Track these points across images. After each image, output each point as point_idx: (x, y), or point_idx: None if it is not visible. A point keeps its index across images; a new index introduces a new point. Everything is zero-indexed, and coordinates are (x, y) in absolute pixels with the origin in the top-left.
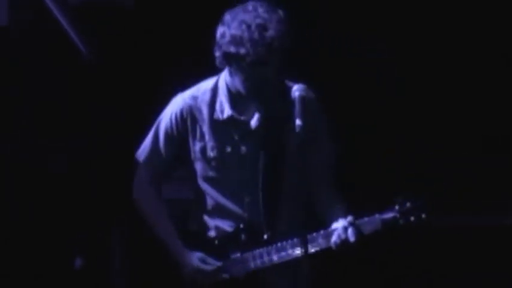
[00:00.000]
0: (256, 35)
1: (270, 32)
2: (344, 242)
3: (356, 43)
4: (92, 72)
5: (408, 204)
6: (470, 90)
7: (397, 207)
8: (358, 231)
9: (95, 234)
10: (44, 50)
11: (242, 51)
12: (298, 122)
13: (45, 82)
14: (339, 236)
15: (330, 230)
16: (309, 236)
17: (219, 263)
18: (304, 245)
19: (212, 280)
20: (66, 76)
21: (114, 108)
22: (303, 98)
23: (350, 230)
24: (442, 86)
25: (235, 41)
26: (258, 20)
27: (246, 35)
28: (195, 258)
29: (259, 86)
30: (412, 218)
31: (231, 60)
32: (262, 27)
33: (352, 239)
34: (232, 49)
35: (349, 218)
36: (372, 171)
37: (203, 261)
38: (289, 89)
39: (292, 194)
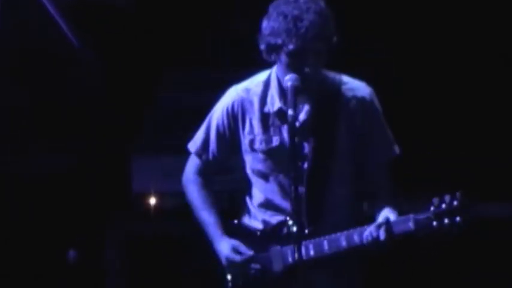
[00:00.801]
0: (291, 25)
1: (305, 22)
2: (375, 240)
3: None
4: (85, 64)
5: (444, 206)
6: (478, 87)
7: (432, 208)
8: (388, 231)
9: (90, 231)
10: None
11: (279, 41)
12: (290, 112)
13: (43, 81)
14: (370, 233)
15: (365, 227)
16: (345, 233)
17: (250, 253)
18: (339, 241)
19: (241, 271)
20: (63, 75)
21: (112, 108)
22: (294, 88)
23: (382, 229)
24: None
25: (273, 32)
26: (295, 11)
27: (282, 25)
28: (228, 246)
29: (301, 78)
30: (446, 221)
31: (272, 51)
32: (297, 18)
33: (382, 237)
34: (271, 40)
35: (384, 217)
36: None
37: (235, 250)
38: (343, 84)
39: (338, 190)
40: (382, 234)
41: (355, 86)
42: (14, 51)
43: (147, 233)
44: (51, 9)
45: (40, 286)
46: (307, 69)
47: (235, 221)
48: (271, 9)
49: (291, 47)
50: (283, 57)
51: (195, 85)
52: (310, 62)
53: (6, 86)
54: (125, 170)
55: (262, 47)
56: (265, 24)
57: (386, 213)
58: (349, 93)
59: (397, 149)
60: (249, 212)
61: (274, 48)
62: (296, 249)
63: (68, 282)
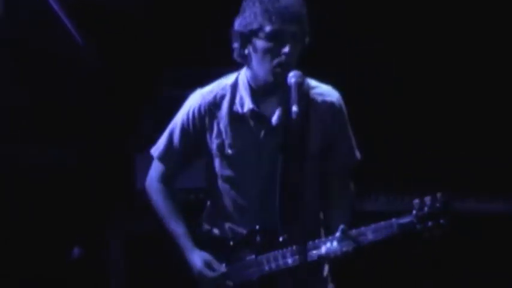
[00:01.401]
0: (269, 6)
1: (282, 3)
2: (337, 253)
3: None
4: (87, 62)
5: (426, 209)
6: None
7: (414, 212)
8: (350, 243)
9: (92, 229)
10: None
11: (255, 25)
12: (294, 108)
13: (44, 79)
14: (334, 246)
15: (332, 237)
16: (311, 243)
17: (222, 269)
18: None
19: (215, 286)
20: (65, 73)
21: (114, 106)
22: (298, 84)
23: (344, 242)
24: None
25: (249, 19)
26: None
27: (258, 9)
28: (200, 260)
29: (277, 71)
30: (430, 223)
31: (246, 42)
32: (275, 0)
33: (337, 252)
34: (245, 29)
35: (342, 228)
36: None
37: (208, 265)
38: (312, 88)
39: (310, 195)
40: (346, 247)
41: (324, 91)
42: (16, 49)
43: (149, 231)
44: (55, 7)
45: (43, 284)
46: (285, 50)
47: (203, 229)
48: (243, 4)
49: (268, 27)
50: (260, 44)
51: (197, 83)
52: (288, 46)
53: (8, 84)
54: (127, 167)
55: (236, 43)
56: (238, 19)
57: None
58: (319, 98)
59: (358, 154)
60: (213, 218)
61: (249, 37)
62: (273, 258)
63: (70, 280)
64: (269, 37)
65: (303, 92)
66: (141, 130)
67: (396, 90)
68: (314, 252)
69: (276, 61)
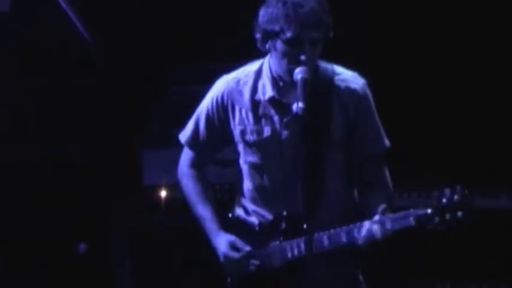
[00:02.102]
0: (290, 11)
1: (305, 9)
2: (371, 237)
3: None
4: (97, 61)
5: (444, 201)
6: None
7: (432, 203)
8: (384, 229)
9: (100, 223)
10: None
11: (276, 28)
12: (300, 104)
13: (54, 74)
14: (368, 229)
15: (365, 222)
16: (344, 228)
17: (247, 249)
18: (339, 237)
19: (239, 267)
20: (74, 68)
21: (122, 101)
22: (305, 81)
23: (376, 227)
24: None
25: (271, 18)
26: None
27: (281, 11)
28: (225, 242)
29: (294, 68)
30: (448, 216)
31: (267, 38)
32: (297, 5)
33: (378, 236)
34: (267, 26)
35: (378, 215)
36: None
37: (232, 246)
38: (336, 75)
39: (333, 183)
40: (377, 233)
41: (348, 77)
42: (26, 44)
43: (157, 225)
44: (62, 4)
45: (50, 278)
46: (302, 58)
47: (231, 215)
48: None
49: (288, 34)
50: (279, 45)
51: (206, 78)
52: (306, 51)
53: (16, 80)
54: (135, 162)
55: (258, 35)
56: (262, 12)
57: (382, 209)
58: (343, 84)
59: (387, 142)
60: (241, 204)
61: (270, 35)
62: (305, 243)
63: (77, 274)
64: (288, 42)
65: (326, 78)
66: (149, 126)
67: (404, 86)
68: (344, 237)
69: (292, 66)
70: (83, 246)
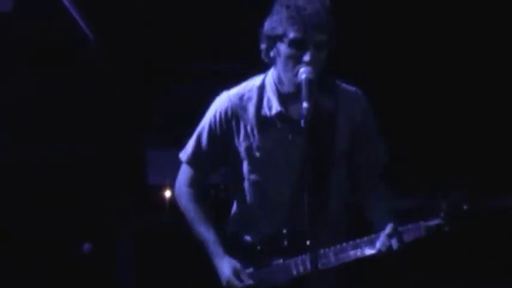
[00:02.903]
0: (294, 13)
1: (308, 11)
2: (388, 250)
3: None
4: (99, 60)
5: (454, 212)
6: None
7: (442, 214)
8: (401, 240)
9: (104, 223)
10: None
11: (280, 31)
12: (304, 104)
13: (58, 73)
14: (383, 243)
15: (373, 236)
16: (351, 243)
17: (250, 282)
18: (347, 252)
19: None
20: (77, 67)
21: (126, 101)
22: (309, 80)
23: (394, 239)
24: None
25: (275, 24)
26: (299, 2)
27: (284, 15)
28: (230, 268)
29: (298, 78)
30: (458, 225)
31: (272, 45)
32: (301, 8)
33: (395, 247)
34: (272, 33)
35: (392, 226)
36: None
37: (236, 274)
38: (339, 86)
39: (339, 197)
40: (395, 244)
41: (352, 91)
42: (29, 42)
43: (162, 225)
44: (65, 2)
45: (54, 278)
46: (306, 59)
47: (229, 233)
48: (274, 5)
49: (292, 34)
50: (283, 49)
51: (211, 77)
52: (311, 54)
53: (19, 79)
54: (139, 163)
55: (263, 45)
56: (267, 22)
57: (390, 221)
58: (347, 98)
59: (387, 153)
60: (240, 222)
61: (274, 41)
62: (301, 262)
63: (81, 273)
64: (292, 44)
65: (330, 89)
66: (153, 126)
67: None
68: (352, 252)
69: (297, 69)
70: (87, 246)
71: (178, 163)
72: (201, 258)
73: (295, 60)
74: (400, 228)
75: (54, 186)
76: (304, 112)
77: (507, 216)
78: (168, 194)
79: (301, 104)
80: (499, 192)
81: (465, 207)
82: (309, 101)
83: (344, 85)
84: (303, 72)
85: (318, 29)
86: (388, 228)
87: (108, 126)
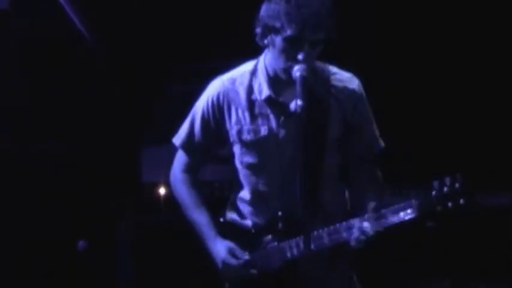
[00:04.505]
0: (294, 9)
1: (308, 10)
2: (364, 235)
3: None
4: (96, 59)
5: (446, 189)
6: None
7: (433, 192)
8: (381, 224)
9: (100, 221)
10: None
11: (277, 24)
12: (299, 102)
13: (53, 72)
14: (368, 225)
15: (365, 216)
16: (344, 224)
17: (246, 257)
18: (339, 233)
19: (237, 274)
20: (74, 66)
21: (122, 99)
22: (303, 78)
23: (367, 223)
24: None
25: (273, 14)
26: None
27: (284, 8)
28: (224, 248)
29: (292, 65)
30: (450, 204)
31: (267, 33)
32: (301, 4)
33: (370, 231)
34: (269, 21)
35: (372, 210)
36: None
37: (231, 253)
38: (332, 74)
39: (331, 182)
40: (368, 229)
41: (345, 78)
42: (26, 42)
43: (156, 223)
44: (62, 1)
45: (51, 277)
46: (300, 57)
47: (223, 219)
48: None
49: (289, 32)
50: (278, 42)
51: (206, 76)
52: (305, 51)
53: (16, 78)
54: (134, 160)
55: (258, 29)
56: (265, 6)
57: (373, 205)
58: (340, 85)
59: (382, 143)
60: (235, 206)
61: (270, 31)
62: (295, 244)
63: (77, 271)
64: (287, 41)
65: (323, 78)
66: (148, 124)
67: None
68: (345, 233)
69: (289, 63)
70: (82, 244)
71: (173, 161)
72: (197, 255)
73: (288, 55)
74: (389, 209)
75: (49, 185)
76: (299, 110)
77: (503, 216)
78: (162, 191)
79: (295, 97)
80: (491, 189)
81: (457, 185)
82: (304, 99)
83: (338, 71)
84: (298, 70)
85: (315, 29)
86: (371, 210)
87: (103, 125)
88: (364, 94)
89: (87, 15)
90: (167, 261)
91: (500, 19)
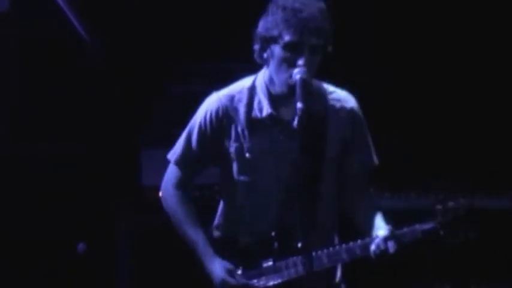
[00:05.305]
0: (290, 15)
1: (304, 14)
2: (383, 253)
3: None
4: (95, 60)
5: (450, 216)
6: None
7: (438, 218)
8: (398, 244)
9: (99, 223)
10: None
11: (275, 33)
12: (299, 104)
13: (52, 73)
14: (378, 246)
15: (367, 239)
16: (344, 246)
17: (244, 280)
18: (340, 255)
19: None
20: (73, 67)
21: (121, 101)
22: (303, 81)
23: (390, 242)
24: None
25: (271, 25)
26: (296, 4)
27: (280, 16)
28: (223, 268)
29: (291, 83)
30: (454, 230)
31: (266, 46)
32: (297, 10)
33: (391, 250)
34: (267, 33)
35: (389, 229)
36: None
37: (230, 273)
38: (329, 93)
39: (328, 201)
40: (391, 248)
41: (342, 97)
42: (26, 43)
43: (156, 225)
44: (61, 3)
45: (50, 279)
46: (300, 63)
47: (216, 235)
48: (269, 5)
49: (287, 37)
50: (278, 51)
51: (206, 77)
52: (305, 58)
53: (15, 79)
54: (134, 162)
55: (257, 46)
56: (262, 21)
57: (383, 225)
58: (337, 104)
59: (376, 160)
60: (229, 224)
61: (269, 42)
62: (305, 262)
63: (77, 274)
64: (287, 47)
65: (321, 96)
66: (148, 126)
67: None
68: (345, 255)
69: (290, 71)
70: (81, 246)
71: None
72: (196, 258)
73: (289, 63)
74: (396, 232)
75: (49, 186)
76: (299, 112)
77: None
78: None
79: (295, 105)
80: (493, 192)
81: (461, 212)
82: (303, 101)
83: (334, 90)
84: (298, 73)
85: (314, 33)
86: (386, 231)
87: (103, 127)
88: (360, 113)
89: (87, 15)
90: (167, 262)
91: (500, 19)
